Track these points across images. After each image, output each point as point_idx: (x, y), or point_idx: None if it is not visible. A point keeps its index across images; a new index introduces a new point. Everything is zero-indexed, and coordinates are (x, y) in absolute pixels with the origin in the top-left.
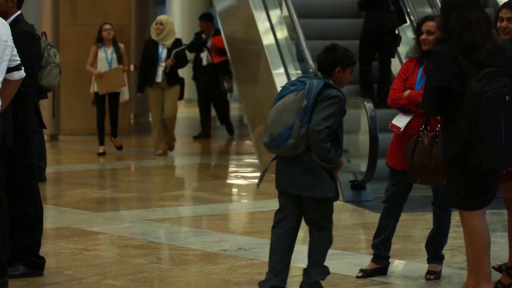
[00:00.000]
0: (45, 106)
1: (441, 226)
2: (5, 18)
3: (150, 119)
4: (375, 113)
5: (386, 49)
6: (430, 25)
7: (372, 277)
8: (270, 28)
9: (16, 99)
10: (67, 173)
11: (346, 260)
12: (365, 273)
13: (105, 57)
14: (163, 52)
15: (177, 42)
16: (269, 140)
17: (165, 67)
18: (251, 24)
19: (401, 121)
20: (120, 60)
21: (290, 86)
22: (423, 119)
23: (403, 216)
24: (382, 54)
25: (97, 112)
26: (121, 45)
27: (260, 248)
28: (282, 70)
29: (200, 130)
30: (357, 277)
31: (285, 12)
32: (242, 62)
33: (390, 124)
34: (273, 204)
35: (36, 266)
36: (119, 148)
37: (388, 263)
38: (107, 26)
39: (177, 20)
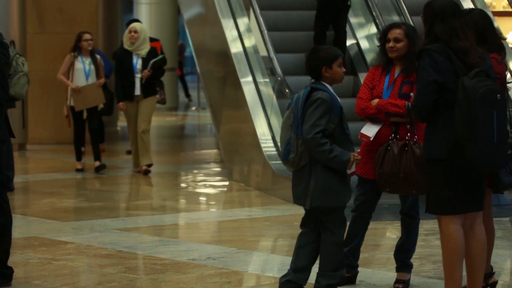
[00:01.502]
0: (13, 115)
1: (409, 235)
2: None
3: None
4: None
5: (342, 17)
6: (397, 32)
7: (341, 286)
8: (238, 36)
9: None
10: (35, 183)
11: (314, 270)
12: None
13: (83, 68)
14: (138, 63)
15: (152, 51)
16: (281, 156)
17: (141, 79)
18: (219, 32)
19: (370, 130)
20: (98, 72)
21: (290, 101)
22: (392, 128)
23: (372, 225)
24: (338, 22)
25: (74, 127)
26: (98, 56)
27: (229, 257)
28: (250, 78)
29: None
30: None
31: (254, 24)
32: (209, 70)
33: (359, 133)
34: (241, 213)
35: (4, 276)
36: (101, 167)
37: (357, 272)
38: (88, 36)
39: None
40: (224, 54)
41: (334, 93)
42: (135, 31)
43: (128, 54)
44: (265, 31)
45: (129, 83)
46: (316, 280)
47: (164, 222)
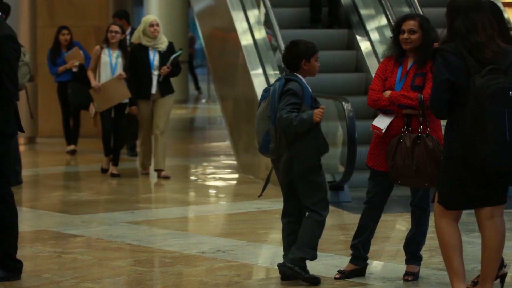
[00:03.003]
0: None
1: (419, 227)
2: None
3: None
4: (353, 114)
5: None
6: (412, 24)
7: (350, 278)
8: (248, 29)
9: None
10: (44, 176)
11: (324, 261)
12: (344, 275)
13: (109, 61)
14: (155, 59)
15: (171, 46)
16: (259, 147)
17: (159, 76)
18: (229, 24)
19: (382, 122)
20: (127, 67)
21: (264, 93)
22: (404, 120)
23: (381, 217)
24: None
25: (102, 126)
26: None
27: (238, 250)
28: (260, 70)
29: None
30: (335, 278)
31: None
32: (220, 62)
33: (371, 125)
34: (251, 206)
35: (13, 269)
36: (115, 175)
37: (367, 264)
38: (114, 28)
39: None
40: (234, 47)
41: (306, 84)
42: (157, 24)
43: (144, 50)
44: (276, 26)
45: (146, 81)
46: (291, 252)
47: (173, 215)
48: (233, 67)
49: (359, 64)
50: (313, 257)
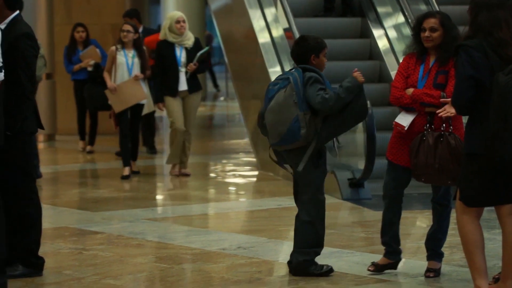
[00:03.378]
0: (41, 105)
1: (440, 224)
2: (0, 20)
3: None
4: (372, 111)
5: None
6: (432, 21)
7: (380, 272)
8: (266, 26)
9: (13, 101)
10: (64, 173)
11: (345, 258)
12: (377, 268)
13: (125, 61)
14: (182, 55)
15: (197, 42)
16: (279, 139)
17: (187, 72)
18: (247, 22)
19: (404, 119)
20: (144, 67)
21: (274, 86)
22: (427, 118)
23: (402, 214)
24: None
25: (120, 129)
26: (144, 48)
27: (260, 247)
28: (278, 68)
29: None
30: (369, 270)
31: (280, 11)
32: (237, 60)
33: (393, 122)
34: (271, 203)
35: (35, 266)
36: (135, 173)
37: (400, 258)
38: (126, 27)
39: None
40: (252, 44)
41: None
42: (184, 21)
43: (170, 46)
44: (292, 19)
45: (172, 78)
46: (294, 257)
47: (194, 212)
48: (251, 65)
49: (373, 52)
50: (316, 254)
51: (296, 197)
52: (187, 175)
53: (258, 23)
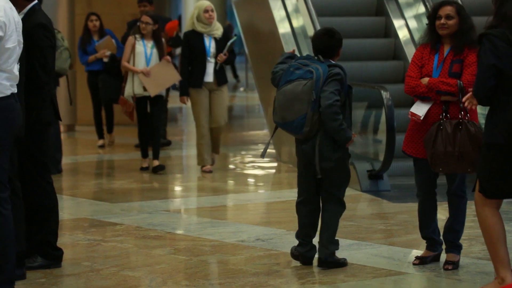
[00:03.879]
0: (60, 95)
1: (457, 216)
2: (18, 10)
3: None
4: (392, 102)
5: None
6: (449, 9)
7: (424, 264)
8: (286, 16)
9: (29, 91)
10: (83, 164)
11: (364, 250)
12: (421, 260)
13: (144, 51)
14: (211, 46)
15: (225, 32)
16: (282, 122)
17: (216, 63)
18: (267, 12)
19: (420, 109)
20: (161, 57)
21: (295, 70)
22: (442, 107)
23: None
24: None
25: (138, 122)
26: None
27: (278, 239)
28: None
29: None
30: (414, 264)
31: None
32: (257, 51)
33: (409, 112)
34: (290, 194)
35: (53, 257)
36: (160, 168)
37: (442, 249)
38: (146, 19)
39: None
40: (272, 35)
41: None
42: (212, 10)
43: (198, 37)
44: (313, 12)
45: (200, 69)
46: (324, 245)
47: (212, 203)
48: (271, 55)
49: (397, 53)
50: (338, 245)
51: (315, 190)
52: (209, 171)
53: (278, 13)
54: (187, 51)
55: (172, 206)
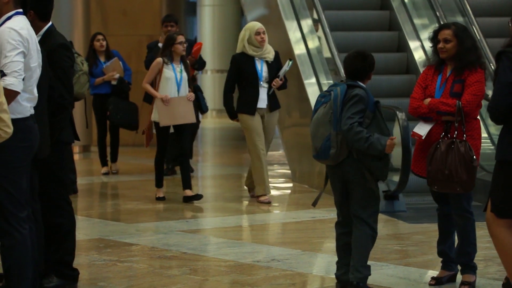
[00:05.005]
0: (76, 116)
1: (466, 237)
2: (36, 31)
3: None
4: (408, 123)
5: None
6: (446, 33)
7: (443, 284)
8: (302, 38)
9: (54, 111)
10: (99, 185)
11: (380, 271)
12: (437, 281)
13: (174, 77)
14: (263, 70)
15: (277, 55)
16: (315, 153)
17: (270, 88)
18: (283, 33)
19: (422, 129)
20: (189, 82)
21: (321, 99)
22: (444, 127)
23: (434, 227)
24: None
25: (158, 147)
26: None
27: (293, 259)
28: (313, 79)
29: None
30: (430, 285)
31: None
32: None
33: (412, 132)
34: (306, 215)
35: (70, 278)
36: (196, 197)
37: (458, 269)
38: (182, 38)
39: (207, 31)
40: (288, 56)
41: (368, 90)
42: (264, 32)
43: (250, 60)
44: (328, 32)
45: (253, 95)
46: (356, 269)
47: (228, 223)
48: (287, 76)
49: (409, 66)
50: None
51: (344, 210)
52: (267, 202)
53: (294, 34)
54: (234, 75)
55: (187, 226)
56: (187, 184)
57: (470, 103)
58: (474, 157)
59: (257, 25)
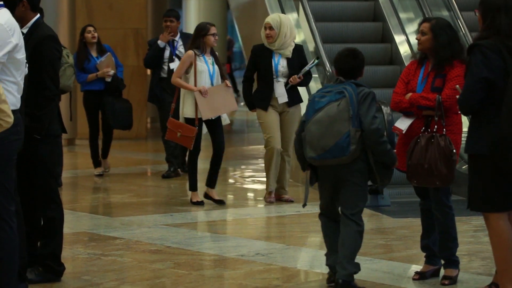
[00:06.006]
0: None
1: (447, 231)
2: (23, 23)
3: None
4: (392, 117)
5: None
6: (424, 26)
7: (426, 279)
8: None
9: (41, 104)
10: (84, 178)
11: (364, 265)
12: (421, 275)
13: (207, 69)
14: (280, 64)
15: (299, 49)
16: (322, 152)
17: (287, 84)
18: None
19: (403, 123)
20: (222, 75)
21: (321, 99)
22: (424, 121)
23: (419, 221)
24: None
25: (194, 147)
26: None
27: (278, 253)
28: None
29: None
30: (414, 279)
31: (302, 16)
32: None
33: (392, 127)
34: (290, 209)
35: (56, 272)
36: (219, 202)
37: (441, 264)
38: (215, 30)
39: (193, 24)
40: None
41: None
42: (270, 27)
43: (268, 53)
44: (313, 23)
45: (267, 89)
46: (342, 266)
47: (212, 218)
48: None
49: (394, 57)
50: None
51: (333, 207)
52: (290, 201)
53: None
54: (251, 66)
55: (172, 220)
56: (213, 183)
57: (450, 98)
58: (454, 151)
59: (267, 18)
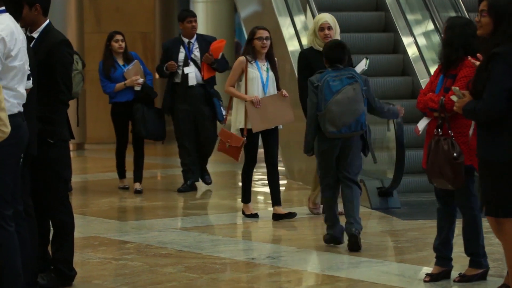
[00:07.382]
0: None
1: (469, 232)
2: (34, 28)
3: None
4: (402, 120)
5: None
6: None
7: (438, 281)
8: (295, 34)
9: (55, 108)
10: (94, 182)
11: (374, 268)
12: (432, 277)
13: (260, 76)
14: None
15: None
16: (342, 127)
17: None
18: (276, 30)
19: (421, 124)
20: (278, 83)
21: (334, 83)
22: (438, 123)
23: (429, 223)
24: None
25: (246, 160)
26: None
27: (289, 256)
28: None
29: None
30: (425, 281)
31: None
32: None
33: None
34: (301, 212)
35: (67, 277)
36: (289, 216)
37: (452, 266)
38: (265, 33)
39: (201, 27)
40: (281, 52)
41: None
42: (329, 28)
43: (318, 56)
44: (314, 8)
45: None
46: (353, 223)
47: (223, 221)
48: (280, 73)
49: (405, 68)
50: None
51: (335, 176)
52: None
53: (287, 31)
54: (306, 71)
55: (182, 224)
56: (277, 200)
57: (452, 100)
58: (455, 154)
59: (322, 19)
